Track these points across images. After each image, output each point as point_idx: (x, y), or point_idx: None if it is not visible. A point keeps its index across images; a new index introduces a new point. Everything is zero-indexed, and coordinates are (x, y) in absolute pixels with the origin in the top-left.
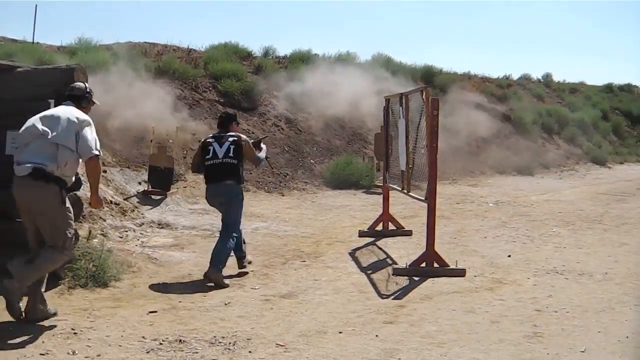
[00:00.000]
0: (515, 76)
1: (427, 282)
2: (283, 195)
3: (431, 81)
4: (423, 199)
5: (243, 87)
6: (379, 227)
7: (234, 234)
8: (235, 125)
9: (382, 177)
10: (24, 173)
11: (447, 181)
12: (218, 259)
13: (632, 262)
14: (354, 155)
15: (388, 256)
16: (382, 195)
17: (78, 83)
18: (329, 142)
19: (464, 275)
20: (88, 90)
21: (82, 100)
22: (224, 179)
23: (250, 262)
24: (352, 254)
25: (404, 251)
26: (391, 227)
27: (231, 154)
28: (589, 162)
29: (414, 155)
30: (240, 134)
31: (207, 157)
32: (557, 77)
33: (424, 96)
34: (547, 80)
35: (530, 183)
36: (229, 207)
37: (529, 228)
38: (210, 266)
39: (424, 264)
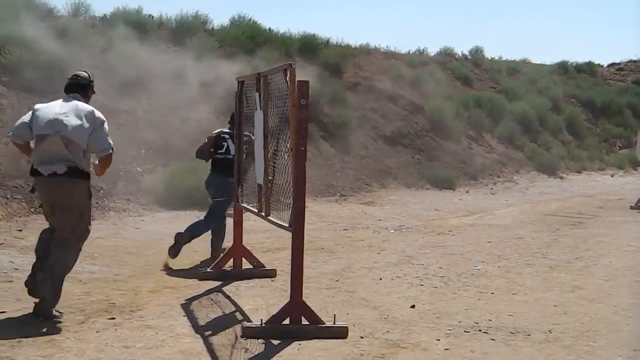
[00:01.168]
0: (432, 51)
1: (291, 346)
2: (93, 219)
3: (314, 56)
4: (287, 225)
5: (38, 60)
6: (228, 266)
7: (215, 221)
8: None
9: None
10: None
11: (333, 197)
12: (195, 228)
13: (587, 314)
14: (199, 161)
15: (238, 309)
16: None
17: (82, 72)
18: (165, 142)
19: (345, 337)
20: (92, 78)
21: (88, 89)
22: (230, 176)
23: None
24: (187, 305)
25: (261, 301)
26: (246, 265)
27: None
28: (533, 171)
29: (274, 163)
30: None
31: (220, 151)
32: (489, 53)
33: (288, 77)
34: (476, 56)
35: (450, 200)
36: (225, 200)
37: (443, 265)
38: (185, 231)
39: (287, 320)
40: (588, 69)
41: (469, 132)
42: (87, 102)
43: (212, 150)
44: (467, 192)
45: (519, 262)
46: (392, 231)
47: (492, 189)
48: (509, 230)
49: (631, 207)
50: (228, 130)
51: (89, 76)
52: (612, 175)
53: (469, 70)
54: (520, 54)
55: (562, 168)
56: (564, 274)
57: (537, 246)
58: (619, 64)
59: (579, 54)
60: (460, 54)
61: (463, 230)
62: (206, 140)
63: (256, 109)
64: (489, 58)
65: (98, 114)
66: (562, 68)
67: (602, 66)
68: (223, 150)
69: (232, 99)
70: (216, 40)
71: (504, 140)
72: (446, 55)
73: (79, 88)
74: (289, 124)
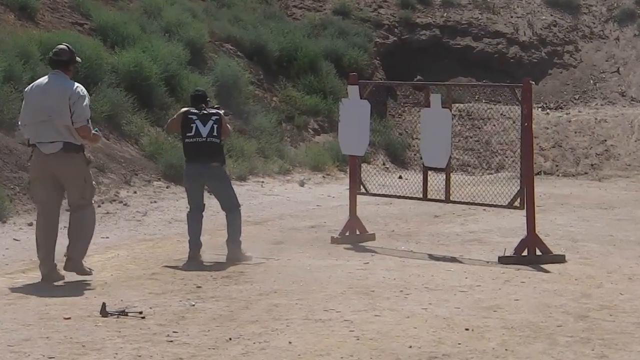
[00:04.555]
0: None
1: None
2: None
3: None
4: None
5: None
6: None
7: (239, 209)
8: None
9: None
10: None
11: None
12: (234, 238)
13: None
14: None
15: None
16: None
17: (62, 47)
18: None
19: None
20: (73, 50)
21: (70, 63)
22: (210, 161)
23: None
24: None
25: None
26: None
27: (215, 133)
28: (157, 180)
29: None
30: (219, 111)
31: (189, 134)
32: None
33: None
34: None
35: None
36: (222, 190)
37: None
38: (229, 250)
39: None
40: None
41: None
42: (70, 74)
43: (181, 132)
44: (30, 224)
45: (124, 352)
46: None
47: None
48: (106, 293)
49: (333, 240)
50: (195, 111)
51: (69, 49)
52: (302, 184)
53: None
54: None
55: None
56: None
57: (159, 322)
58: None
59: None
60: None
61: (20, 300)
62: (174, 117)
63: None
64: None
65: (76, 90)
66: None
67: None
68: (192, 133)
69: None
70: None
71: (100, 124)
72: None
73: (61, 64)
74: None
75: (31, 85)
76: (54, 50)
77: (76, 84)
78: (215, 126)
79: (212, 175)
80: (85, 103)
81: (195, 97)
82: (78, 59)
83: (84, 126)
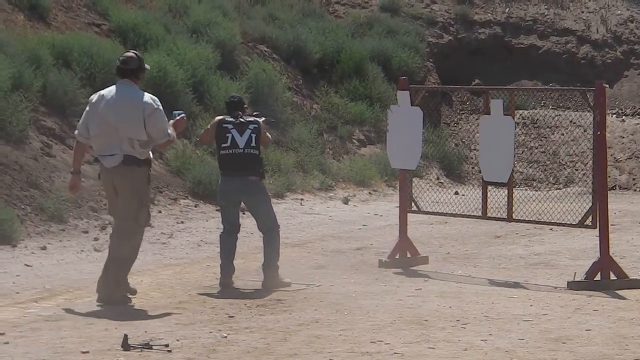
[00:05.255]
0: None
1: None
2: None
3: None
4: None
5: None
6: None
7: (278, 229)
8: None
9: None
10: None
11: None
12: (271, 262)
13: None
14: None
15: None
16: None
17: (129, 54)
18: None
19: None
20: (141, 57)
21: (139, 72)
22: (247, 174)
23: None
24: None
25: None
26: None
27: (253, 144)
28: (184, 198)
29: None
30: (257, 119)
31: (224, 145)
32: None
33: None
34: None
35: (2, 269)
36: (260, 208)
37: None
38: (265, 275)
39: None
40: None
41: (44, 120)
42: (138, 82)
43: (216, 143)
44: (44, 248)
45: None
46: None
47: (97, 239)
48: (128, 324)
49: (381, 264)
50: (231, 119)
51: (137, 57)
52: (345, 201)
53: None
54: None
55: None
56: None
57: (187, 355)
58: None
59: None
60: None
61: (33, 332)
62: (208, 127)
63: None
64: None
65: (149, 102)
66: None
67: None
68: (228, 144)
69: None
70: None
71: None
72: None
73: (129, 73)
74: None
75: (97, 94)
76: (120, 58)
77: (147, 94)
78: (253, 136)
79: (250, 191)
80: (163, 115)
81: (230, 104)
82: (147, 66)
83: (167, 140)
